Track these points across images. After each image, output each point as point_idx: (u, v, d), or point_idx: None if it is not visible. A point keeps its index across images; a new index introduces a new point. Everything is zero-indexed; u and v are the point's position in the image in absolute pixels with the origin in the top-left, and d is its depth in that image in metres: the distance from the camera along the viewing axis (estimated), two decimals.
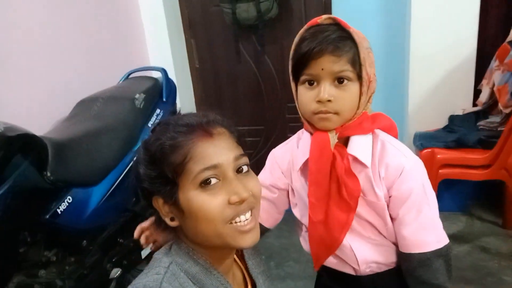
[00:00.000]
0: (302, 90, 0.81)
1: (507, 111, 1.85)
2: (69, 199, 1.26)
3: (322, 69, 0.76)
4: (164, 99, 1.79)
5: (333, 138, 0.80)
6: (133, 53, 2.40)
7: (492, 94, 2.01)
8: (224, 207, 0.64)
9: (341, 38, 0.76)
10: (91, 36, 2.02)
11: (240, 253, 0.82)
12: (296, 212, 0.95)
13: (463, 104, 2.17)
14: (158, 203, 0.68)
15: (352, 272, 0.92)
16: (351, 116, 0.80)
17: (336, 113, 0.78)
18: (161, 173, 0.65)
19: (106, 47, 2.13)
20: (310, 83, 0.79)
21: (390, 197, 0.83)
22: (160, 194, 0.67)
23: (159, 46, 2.50)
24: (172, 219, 0.69)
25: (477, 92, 2.15)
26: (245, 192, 0.66)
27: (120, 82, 1.93)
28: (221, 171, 0.65)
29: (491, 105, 2.06)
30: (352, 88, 0.78)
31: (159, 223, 0.72)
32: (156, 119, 1.68)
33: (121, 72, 2.02)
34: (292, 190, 0.95)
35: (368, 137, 0.83)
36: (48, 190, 1.20)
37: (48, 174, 1.19)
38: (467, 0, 2.01)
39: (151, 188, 0.67)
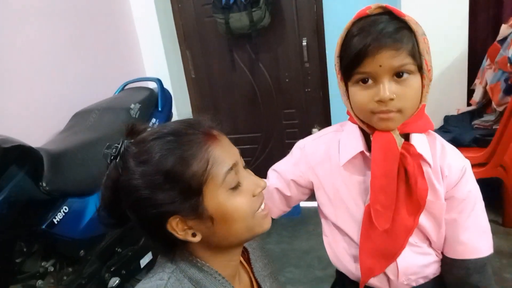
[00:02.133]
0: (356, 89, 0.73)
1: (500, 109, 1.86)
2: (65, 209, 1.27)
3: (380, 66, 0.68)
4: (159, 109, 1.81)
5: (398, 138, 0.74)
6: (128, 65, 2.43)
7: (485, 93, 2.02)
8: (251, 201, 0.67)
9: (398, 29, 0.68)
10: (86, 49, 2.05)
11: (246, 256, 0.82)
12: (329, 212, 0.88)
13: (458, 104, 2.19)
14: (172, 224, 0.63)
15: (385, 286, 0.86)
16: (414, 112, 0.74)
17: (399, 111, 0.71)
18: (182, 189, 0.61)
19: (101, 59, 2.16)
20: (364, 81, 0.71)
21: (447, 199, 0.79)
22: (178, 213, 0.62)
23: (154, 57, 2.53)
24: (193, 235, 0.65)
25: (471, 92, 2.17)
26: (262, 181, 0.69)
27: (116, 93, 1.95)
28: (237, 169, 0.66)
29: (485, 104, 2.07)
30: (413, 81, 0.71)
31: (167, 245, 0.67)
32: None
33: (117, 84, 2.05)
34: (321, 189, 0.88)
35: (424, 136, 0.78)
36: (44, 200, 1.21)
37: (44, 184, 1.20)
38: (456, 3, 2.04)
39: (166, 210, 0.61)
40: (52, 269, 1.27)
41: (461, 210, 0.79)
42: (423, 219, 0.79)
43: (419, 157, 0.75)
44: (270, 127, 2.67)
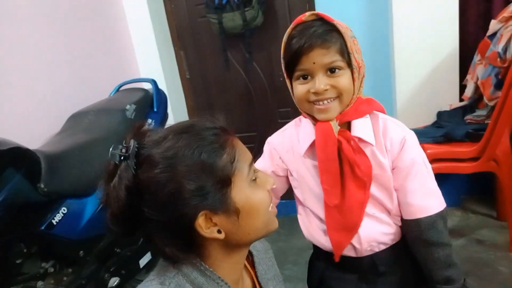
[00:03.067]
0: (297, 85, 0.85)
1: (492, 103, 1.88)
2: (64, 210, 1.28)
3: (314, 63, 0.80)
4: (155, 109, 1.82)
5: (335, 126, 0.85)
6: (123, 66, 2.43)
7: (477, 88, 2.04)
8: (267, 195, 0.70)
9: (327, 31, 0.81)
10: (80, 51, 2.05)
11: (250, 259, 0.82)
12: (299, 194, 0.99)
13: (450, 100, 2.21)
14: (200, 221, 0.62)
15: (352, 254, 0.96)
16: (349, 101, 0.85)
17: (338, 97, 0.83)
18: (216, 180, 0.62)
19: (95, 61, 2.16)
20: (304, 77, 0.83)
21: (393, 169, 0.89)
22: (208, 207, 0.62)
23: (148, 58, 2.53)
24: (218, 232, 0.65)
25: (462, 88, 2.19)
26: (271, 178, 0.72)
27: (111, 95, 1.96)
28: (252, 164, 0.69)
29: (477, 99, 2.09)
30: (344, 75, 0.83)
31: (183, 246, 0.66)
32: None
33: (112, 85, 2.05)
34: (291, 175, 0.99)
35: (367, 119, 0.89)
36: (42, 202, 1.22)
37: (42, 186, 1.21)
38: (446, 0, 2.06)
39: (199, 203, 0.61)
40: (52, 270, 1.28)
41: (406, 176, 0.89)
42: (376, 191, 0.90)
43: (358, 139, 0.87)
44: (266, 126, 2.68)
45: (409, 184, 0.89)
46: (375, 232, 0.93)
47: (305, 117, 0.92)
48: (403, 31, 2.14)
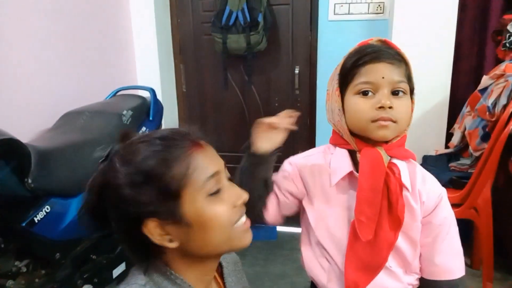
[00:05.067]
0: (356, 99, 0.79)
1: (477, 154, 1.95)
2: (47, 208, 1.24)
3: (383, 77, 0.76)
4: (150, 118, 1.82)
5: (385, 155, 0.81)
6: (121, 72, 2.42)
7: (463, 137, 2.12)
8: (231, 212, 0.66)
9: (395, 54, 0.79)
10: (81, 51, 2.04)
11: (220, 270, 0.82)
12: (313, 226, 0.91)
13: (436, 145, 2.29)
14: (149, 227, 0.62)
15: None
16: (404, 130, 0.82)
17: (395, 122, 0.78)
18: (161, 190, 0.61)
19: (95, 63, 2.15)
20: (365, 93, 0.78)
21: (424, 224, 0.85)
22: (156, 215, 0.62)
23: (148, 67, 2.54)
24: (170, 241, 0.64)
25: (449, 135, 2.28)
26: (245, 194, 0.69)
27: (108, 98, 1.94)
28: (219, 178, 0.67)
29: (462, 148, 2.17)
30: (406, 101, 0.80)
31: (138, 251, 0.67)
32: None
33: (108, 89, 2.04)
34: (311, 203, 0.91)
35: (404, 164, 0.84)
36: (27, 197, 1.18)
37: (30, 181, 1.18)
38: (442, 52, 2.17)
39: (145, 210, 0.61)
40: (24, 269, 1.22)
41: (437, 235, 0.85)
42: (400, 241, 0.84)
43: (400, 179, 0.81)
44: None
45: (439, 243, 0.85)
46: (383, 285, 0.87)
47: (341, 147, 0.86)
48: None
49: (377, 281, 0.86)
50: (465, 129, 2.08)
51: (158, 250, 0.66)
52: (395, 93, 0.78)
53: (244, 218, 0.70)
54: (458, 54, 2.20)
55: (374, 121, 0.78)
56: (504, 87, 1.78)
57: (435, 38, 2.16)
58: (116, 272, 1.63)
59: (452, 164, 2.11)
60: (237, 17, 2.32)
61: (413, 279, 0.90)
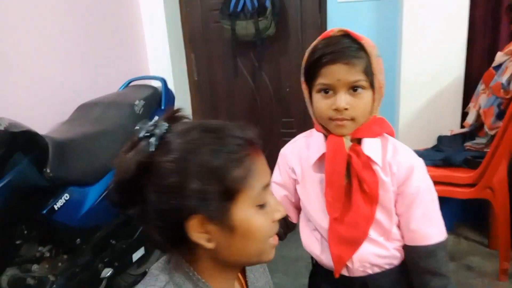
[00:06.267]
0: (318, 97, 0.85)
1: (492, 132, 1.92)
2: (66, 196, 1.29)
3: (338, 79, 0.81)
4: (162, 107, 1.85)
5: (347, 141, 0.87)
6: (134, 63, 2.46)
7: (478, 116, 2.08)
8: (271, 226, 0.66)
9: (354, 49, 0.81)
10: (94, 45, 2.09)
11: (242, 267, 0.79)
12: (303, 204, 0.99)
13: (451, 125, 2.25)
14: (192, 222, 0.60)
15: (345, 272, 0.96)
16: (364, 121, 0.86)
17: (352, 119, 0.84)
18: (221, 188, 0.59)
19: (108, 56, 2.20)
20: (326, 91, 0.84)
21: (399, 194, 0.90)
22: (205, 212, 0.59)
23: (159, 57, 2.57)
24: (208, 240, 0.62)
25: (464, 115, 2.23)
26: (283, 210, 0.68)
27: (121, 89, 1.99)
28: (269, 190, 0.66)
29: (478, 127, 2.12)
30: (366, 95, 0.83)
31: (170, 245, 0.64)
32: None
33: (121, 80, 2.08)
34: (298, 183, 0.99)
35: (377, 140, 0.89)
36: (46, 186, 1.24)
37: (48, 171, 1.23)
38: (455, 31, 2.12)
39: (198, 204, 0.59)
40: (48, 254, 1.29)
41: (411, 203, 0.89)
42: (376, 212, 0.90)
43: (368, 158, 0.86)
44: (268, 135, 2.71)
45: (412, 211, 0.89)
46: (368, 253, 0.92)
47: (318, 131, 0.92)
48: (412, 58, 2.19)
49: (362, 250, 0.92)
50: (480, 107, 2.04)
51: (188, 246, 0.63)
52: (354, 89, 0.82)
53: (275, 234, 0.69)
54: (472, 32, 2.14)
55: (332, 119, 0.85)
56: None
57: (448, 16, 2.10)
58: (136, 256, 1.69)
59: (468, 144, 2.08)
60: (244, 3, 2.31)
61: (397, 246, 0.94)
